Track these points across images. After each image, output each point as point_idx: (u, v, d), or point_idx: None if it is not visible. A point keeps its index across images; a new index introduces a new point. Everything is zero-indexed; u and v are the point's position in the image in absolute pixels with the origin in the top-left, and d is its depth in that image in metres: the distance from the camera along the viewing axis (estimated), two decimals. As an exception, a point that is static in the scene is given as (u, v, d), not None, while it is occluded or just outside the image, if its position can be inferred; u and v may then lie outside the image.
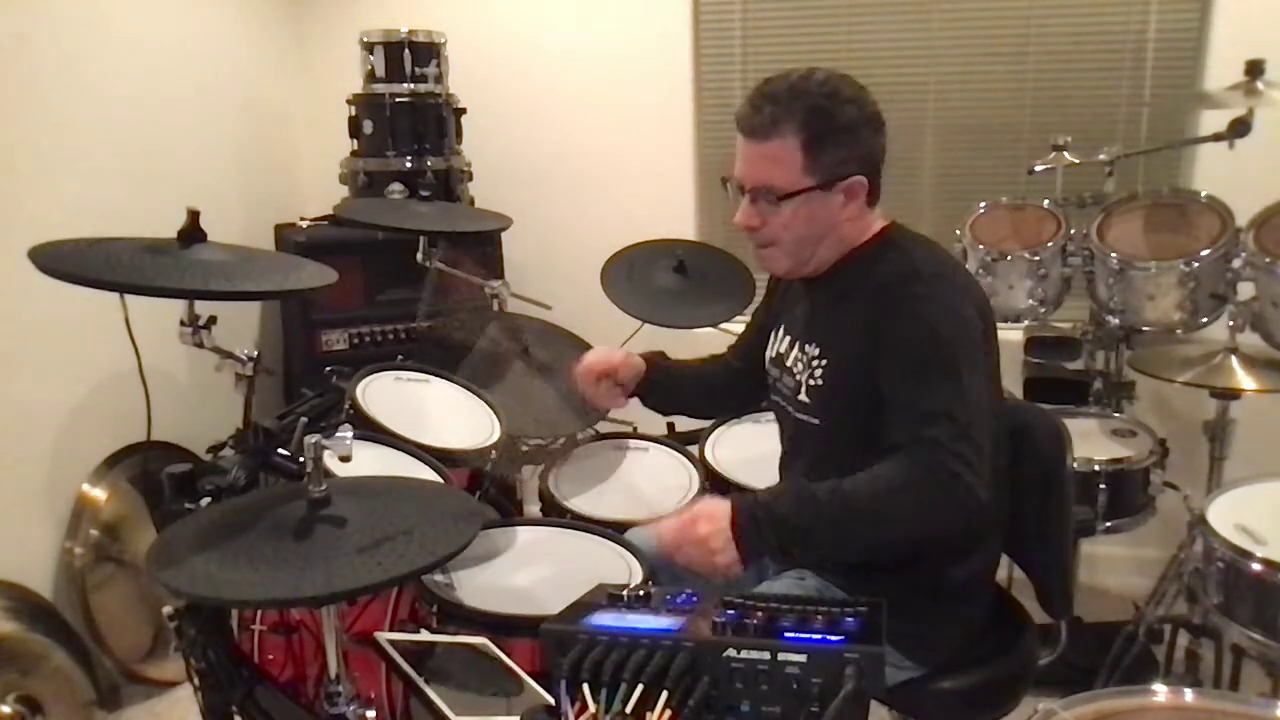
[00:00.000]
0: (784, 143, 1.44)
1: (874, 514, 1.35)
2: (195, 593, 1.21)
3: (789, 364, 1.61)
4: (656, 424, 2.56)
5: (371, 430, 1.90)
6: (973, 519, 1.34)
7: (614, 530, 1.81)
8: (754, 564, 1.42)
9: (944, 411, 1.33)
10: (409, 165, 2.99)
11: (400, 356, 2.26)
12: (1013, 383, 2.65)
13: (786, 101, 1.44)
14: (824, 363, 1.53)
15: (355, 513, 1.33)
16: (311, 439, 1.34)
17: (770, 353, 1.69)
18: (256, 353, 1.68)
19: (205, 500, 1.53)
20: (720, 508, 1.39)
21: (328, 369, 2.10)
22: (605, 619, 1.14)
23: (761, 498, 1.41)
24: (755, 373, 1.77)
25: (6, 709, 2.06)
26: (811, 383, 1.54)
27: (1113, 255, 2.35)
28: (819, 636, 1.06)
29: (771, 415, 2.13)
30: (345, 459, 1.39)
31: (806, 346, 1.57)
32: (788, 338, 1.64)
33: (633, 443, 2.34)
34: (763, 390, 1.76)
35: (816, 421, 1.55)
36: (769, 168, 1.47)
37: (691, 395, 1.95)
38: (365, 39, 2.99)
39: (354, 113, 3.02)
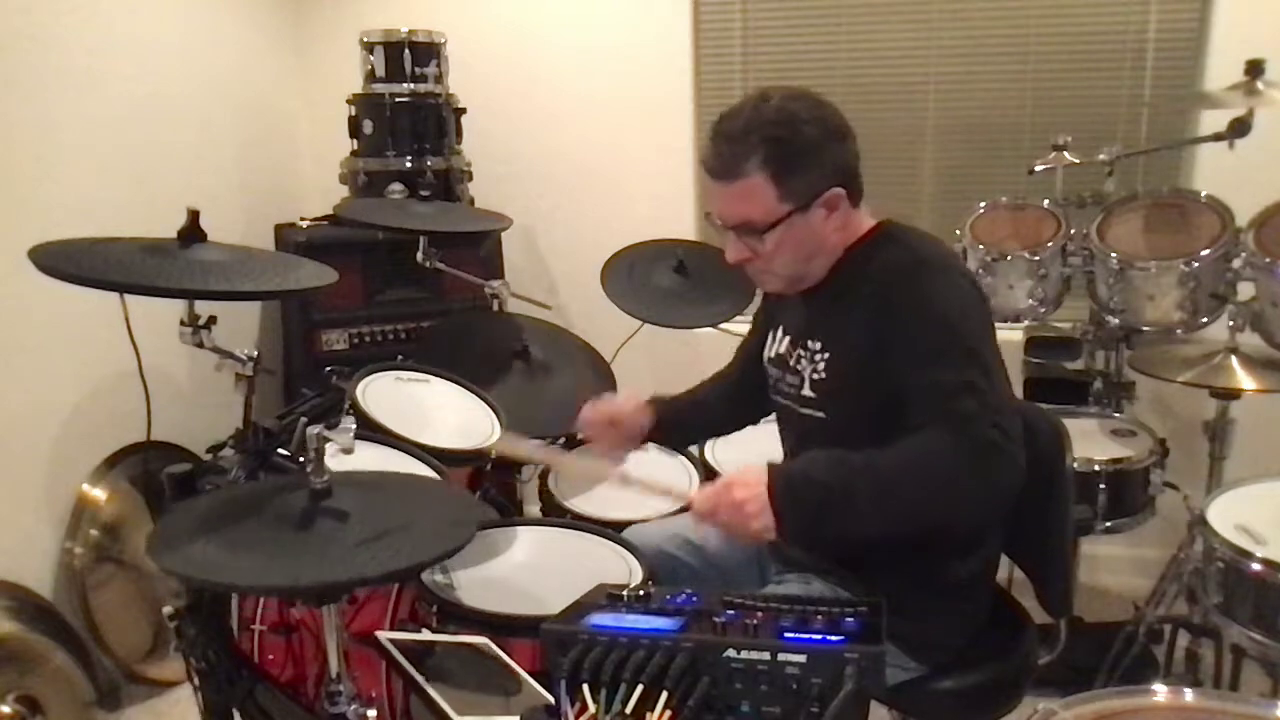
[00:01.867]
0: (751, 180, 1.44)
1: (910, 482, 1.32)
2: (194, 576, 1.21)
3: (790, 362, 1.61)
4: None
5: (371, 430, 1.90)
6: (1012, 489, 1.32)
7: (614, 530, 1.81)
8: (786, 531, 1.39)
9: (972, 385, 1.32)
10: (409, 165, 2.98)
11: (400, 356, 2.26)
12: (1013, 383, 2.64)
13: (743, 139, 1.44)
14: (827, 356, 1.53)
15: (356, 506, 1.34)
16: (314, 429, 1.34)
17: (769, 353, 1.69)
18: (256, 353, 1.68)
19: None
20: (756, 474, 1.37)
21: (328, 369, 2.10)
22: (605, 619, 1.15)
23: (797, 464, 1.41)
24: (760, 378, 1.76)
25: (6, 709, 2.06)
26: (816, 377, 1.54)
27: (1113, 255, 2.35)
28: (819, 636, 1.06)
29: (772, 416, 2.13)
30: (348, 451, 1.39)
31: (809, 343, 1.57)
32: (787, 338, 1.64)
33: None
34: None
35: (823, 415, 1.54)
36: (744, 206, 1.47)
37: (704, 427, 1.98)
38: (365, 39, 2.99)
39: (354, 113, 3.02)
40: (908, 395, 1.38)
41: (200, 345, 1.62)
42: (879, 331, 1.43)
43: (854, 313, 1.48)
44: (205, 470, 1.60)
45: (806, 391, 1.56)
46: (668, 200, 3.28)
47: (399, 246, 2.58)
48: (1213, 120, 2.56)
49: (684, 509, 1.54)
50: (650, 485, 1.61)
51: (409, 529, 1.29)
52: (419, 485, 1.59)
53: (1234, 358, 2.20)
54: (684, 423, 1.87)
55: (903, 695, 1.53)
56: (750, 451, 2.21)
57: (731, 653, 1.06)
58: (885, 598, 1.20)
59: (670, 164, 3.27)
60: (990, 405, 1.32)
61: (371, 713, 1.41)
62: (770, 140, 1.43)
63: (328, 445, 1.36)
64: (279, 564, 1.20)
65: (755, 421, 1.97)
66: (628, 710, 1.03)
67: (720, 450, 2.26)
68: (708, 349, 2.08)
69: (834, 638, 1.06)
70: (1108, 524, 2.26)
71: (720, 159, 1.47)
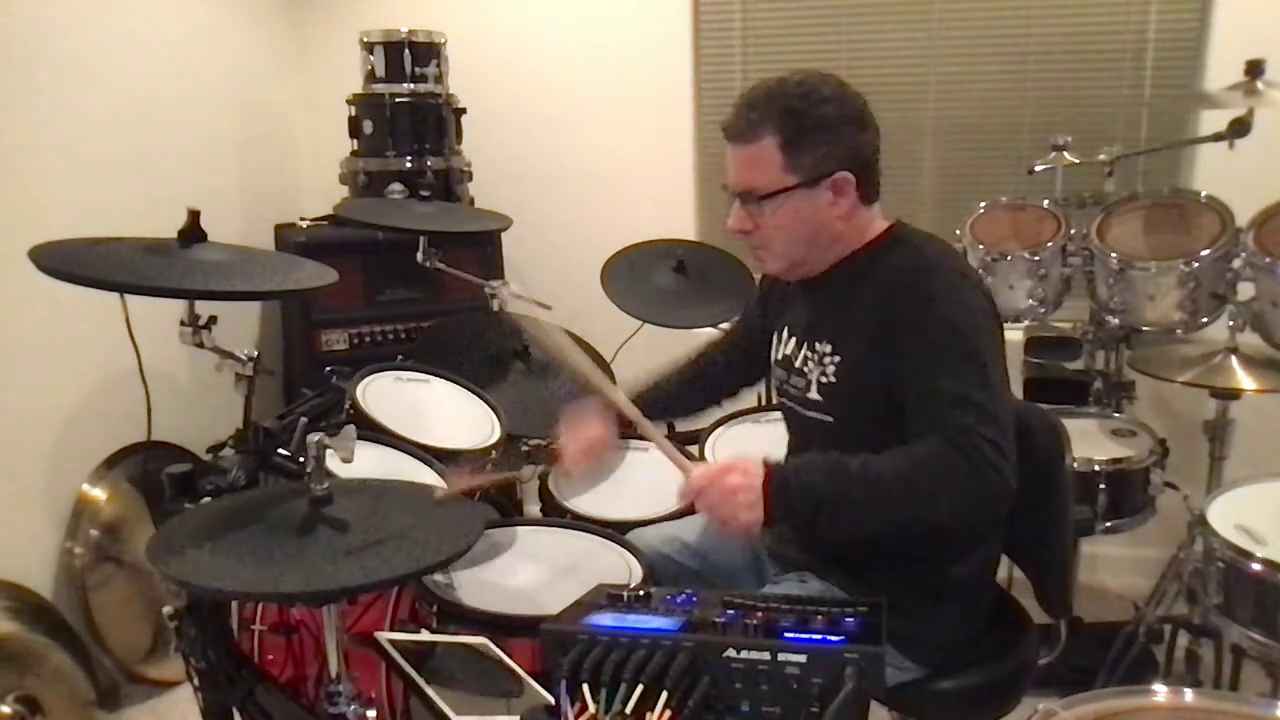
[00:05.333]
0: (763, 144, 1.47)
1: (902, 490, 1.34)
2: (194, 582, 1.21)
3: (797, 364, 1.60)
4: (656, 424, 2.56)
5: (372, 430, 1.90)
6: (1001, 504, 1.34)
7: (614, 530, 1.81)
8: (772, 528, 1.41)
9: (970, 398, 1.33)
10: (409, 165, 2.99)
11: (400, 356, 2.26)
12: (1013, 383, 2.64)
13: (764, 105, 1.47)
14: (837, 359, 1.52)
15: (356, 512, 1.34)
16: (314, 437, 1.34)
17: (776, 355, 1.69)
18: (256, 353, 1.68)
19: (205, 500, 1.53)
20: (755, 465, 1.39)
21: (328, 369, 2.10)
22: (605, 619, 1.14)
23: (792, 465, 1.41)
24: (741, 365, 1.86)
25: (6, 709, 2.06)
26: (824, 380, 1.54)
27: (1113, 255, 2.35)
28: (819, 636, 1.06)
29: (771, 415, 2.14)
30: (347, 459, 1.39)
31: (817, 344, 1.56)
32: (793, 339, 1.64)
33: (633, 443, 2.34)
34: (747, 381, 1.90)
35: (829, 419, 1.55)
36: (752, 170, 1.50)
37: (676, 411, 2.01)
38: (365, 39, 2.99)
39: (354, 113, 3.02)
40: (908, 401, 1.39)
41: (200, 345, 1.62)
42: (887, 336, 1.43)
43: (862, 316, 1.48)
44: (205, 470, 1.60)
45: (813, 394, 1.56)
46: (668, 200, 3.28)
47: (399, 246, 2.58)
48: (1213, 120, 2.56)
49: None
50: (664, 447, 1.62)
51: (408, 535, 1.29)
52: (420, 490, 1.59)
53: (1234, 358, 2.20)
54: (659, 411, 1.90)
55: (903, 695, 1.53)
56: (750, 451, 2.21)
57: (731, 653, 1.06)
58: (884, 598, 1.20)
59: (670, 164, 3.27)
60: (987, 418, 1.32)
61: (371, 713, 1.41)
62: (786, 110, 1.46)
63: (326, 450, 1.35)
64: (278, 571, 1.20)
65: (719, 403, 2.02)
66: (628, 710, 1.03)
67: (721, 449, 2.26)
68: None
69: (834, 638, 1.06)
70: (1108, 524, 2.26)
71: (738, 121, 1.50)
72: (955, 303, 1.40)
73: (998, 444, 1.31)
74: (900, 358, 1.41)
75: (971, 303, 1.43)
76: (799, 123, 1.46)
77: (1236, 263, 2.27)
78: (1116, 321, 2.43)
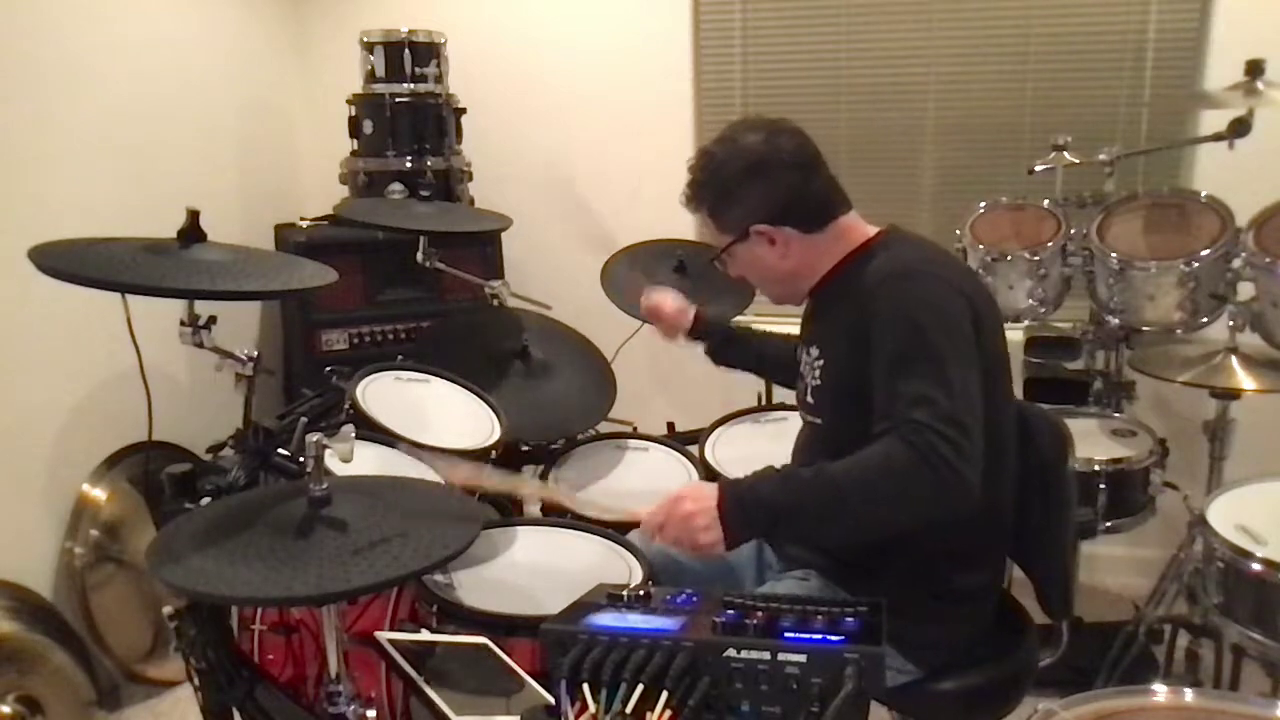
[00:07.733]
0: (701, 214, 1.66)
1: (857, 493, 1.33)
2: (193, 589, 1.21)
3: (800, 368, 1.65)
4: (656, 424, 2.56)
5: (372, 430, 1.90)
6: (960, 503, 1.31)
7: (614, 530, 1.81)
8: (737, 546, 1.41)
9: (927, 397, 1.31)
10: (409, 165, 2.99)
11: (400, 356, 2.26)
12: (1013, 383, 2.66)
13: (689, 181, 1.66)
14: (822, 363, 1.56)
15: (355, 512, 1.33)
16: (314, 437, 1.34)
17: None
18: (256, 353, 1.68)
19: (205, 500, 1.53)
20: (706, 488, 1.40)
21: (328, 369, 2.10)
22: (605, 619, 1.14)
23: (747, 479, 1.42)
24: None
25: (6, 709, 2.06)
26: (814, 383, 1.58)
27: (1113, 255, 2.35)
28: (819, 636, 1.06)
29: (771, 415, 2.14)
30: (346, 459, 1.39)
31: (810, 349, 1.61)
32: (799, 345, 1.69)
33: (633, 443, 2.34)
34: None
35: (819, 421, 1.59)
36: (708, 233, 1.70)
37: (752, 357, 2.08)
38: (365, 39, 2.99)
39: (354, 113, 3.02)
40: (874, 403, 1.39)
41: (200, 345, 1.62)
42: (859, 339, 1.44)
43: (842, 321, 1.51)
44: (205, 470, 1.60)
45: (808, 398, 1.60)
46: (668, 200, 3.25)
47: (399, 246, 2.58)
48: (1213, 120, 2.56)
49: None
50: (603, 510, 1.69)
51: (408, 535, 1.29)
52: (419, 489, 1.59)
53: (1234, 358, 2.20)
54: (730, 338, 2.07)
55: (903, 696, 1.53)
56: (750, 451, 2.22)
57: (731, 652, 1.06)
58: (886, 600, 1.19)
59: (670, 164, 3.22)
60: (944, 417, 1.29)
61: (371, 713, 1.41)
62: (698, 186, 1.63)
63: (326, 450, 1.35)
64: (277, 575, 1.19)
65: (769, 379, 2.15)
66: (628, 710, 1.03)
67: (720, 449, 2.26)
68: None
69: (834, 638, 1.06)
70: (1108, 524, 2.26)
71: (683, 196, 1.68)
72: (921, 305, 1.40)
73: (955, 442, 1.28)
74: (870, 359, 1.41)
75: (939, 304, 1.41)
76: (710, 194, 1.61)
77: (1236, 263, 2.27)
78: (1116, 321, 2.43)
